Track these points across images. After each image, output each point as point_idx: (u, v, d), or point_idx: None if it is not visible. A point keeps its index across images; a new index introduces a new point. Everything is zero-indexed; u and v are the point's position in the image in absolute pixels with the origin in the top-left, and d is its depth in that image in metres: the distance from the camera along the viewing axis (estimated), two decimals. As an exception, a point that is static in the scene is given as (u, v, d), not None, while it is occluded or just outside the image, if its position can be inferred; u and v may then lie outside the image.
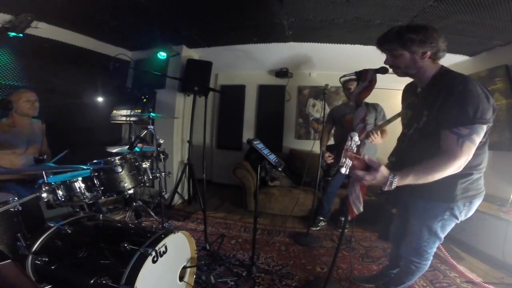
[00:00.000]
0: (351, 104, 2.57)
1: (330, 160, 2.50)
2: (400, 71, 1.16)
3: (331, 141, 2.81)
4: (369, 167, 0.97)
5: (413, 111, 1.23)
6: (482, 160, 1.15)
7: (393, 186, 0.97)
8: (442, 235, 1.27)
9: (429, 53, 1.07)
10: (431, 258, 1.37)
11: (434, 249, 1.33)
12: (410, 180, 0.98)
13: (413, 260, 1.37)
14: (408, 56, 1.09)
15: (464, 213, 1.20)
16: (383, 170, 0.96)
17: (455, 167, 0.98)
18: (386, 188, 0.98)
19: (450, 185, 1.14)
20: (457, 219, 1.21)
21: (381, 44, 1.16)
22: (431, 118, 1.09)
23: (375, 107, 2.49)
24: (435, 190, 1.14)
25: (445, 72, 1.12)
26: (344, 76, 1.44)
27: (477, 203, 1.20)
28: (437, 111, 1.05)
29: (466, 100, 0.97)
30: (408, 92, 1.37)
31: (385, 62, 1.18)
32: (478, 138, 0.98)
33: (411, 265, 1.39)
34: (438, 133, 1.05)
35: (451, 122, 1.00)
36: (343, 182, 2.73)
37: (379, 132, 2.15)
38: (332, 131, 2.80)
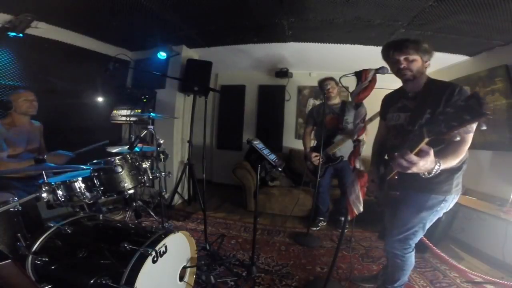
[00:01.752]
0: (330, 103, 2.57)
1: (316, 160, 2.50)
2: (411, 74, 1.26)
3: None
4: (420, 152, 0.91)
5: (412, 112, 1.30)
6: (467, 155, 1.22)
7: (438, 172, 0.97)
8: (428, 226, 1.35)
9: (428, 62, 1.27)
10: (412, 251, 1.42)
11: (415, 242, 1.40)
12: (448, 163, 1.03)
13: (396, 254, 1.42)
14: (420, 62, 1.25)
15: (451, 204, 1.30)
16: (432, 154, 0.92)
17: (465, 152, 1.07)
18: (429, 175, 0.98)
19: (449, 179, 1.24)
20: (445, 209, 1.31)
21: (402, 48, 1.24)
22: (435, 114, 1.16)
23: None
24: (433, 183, 1.24)
25: (434, 80, 1.29)
26: (345, 76, 1.44)
27: (459, 194, 1.32)
28: (442, 108, 1.15)
29: (465, 95, 1.08)
30: (392, 100, 1.46)
31: (399, 65, 1.26)
32: (473, 128, 1.05)
33: (396, 260, 1.44)
34: None
35: None
36: (333, 183, 2.76)
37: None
38: (313, 132, 2.81)
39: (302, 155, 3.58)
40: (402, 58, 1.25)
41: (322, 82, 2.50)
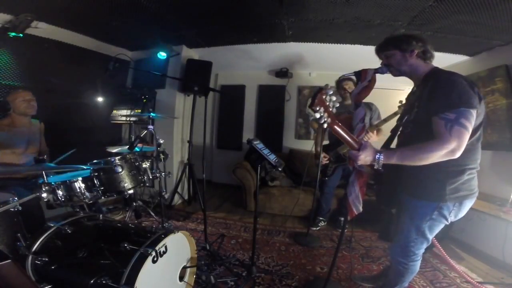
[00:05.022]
0: (346, 103, 2.57)
1: (325, 161, 2.52)
2: (394, 69, 1.27)
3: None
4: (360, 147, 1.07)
5: (406, 106, 1.33)
6: (474, 158, 1.15)
7: (380, 163, 1.05)
8: (430, 236, 1.26)
9: (416, 51, 1.20)
10: (419, 259, 1.35)
11: (422, 250, 1.32)
12: (396, 158, 1.05)
13: (400, 261, 1.36)
14: (399, 54, 1.23)
15: (454, 213, 1.18)
16: (370, 145, 1.06)
17: (446, 150, 0.99)
18: (375, 166, 1.06)
19: (439, 184, 1.15)
20: (446, 219, 1.20)
21: (379, 49, 1.32)
22: (421, 108, 1.16)
23: (369, 106, 2.49)
24: (424, 188, 1.19)
25: (435, 71, 1.21)
26: (344, 76, 1.45)
27: (468, 204, 1.19)
28: (426, 101, 1.12)
29: (450, 88, 1.04)
30: (408, 96, 1.47)
31: (382, 63, 1.32)
32: (467, 122, 1.00)
33: (398, 266, 1.38)
34: (429, 123, 1.09)
35: (438, 108, 1.05)
36: (339, 183, 2.75)
37: (375, 131, 2.19)
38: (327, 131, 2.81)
39: (304, 155, 3.61)
40: (382, 56, 1.30)
41: (341, 82, 2.50)
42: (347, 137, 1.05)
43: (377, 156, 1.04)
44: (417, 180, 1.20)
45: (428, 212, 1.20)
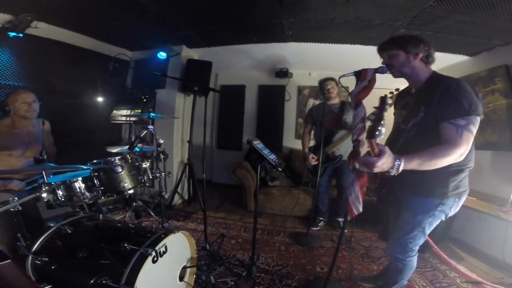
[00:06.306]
0: (330, 103, 2.58)
1: (314, 162, 2.53)
2: (395, 70, 1.26)
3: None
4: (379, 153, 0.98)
5: (409, 109, 1.30)
6: (471, 158, 1.21)
7: (400, 170, 0.98)
8: (428, 231, 1.32)
9: (421, 54, 1.20)
10: (415, 255, 1.39)
11: (418, 246, 1.37)
12: (415, 164, 1.01)
13: (398, 257, 1.40)
14: (403, 55, 1.22)
15: (453, 209, 1.26)
16: (389, 151, 0.97)
17: (457, 154, 1.03)
18: (393, 173, 0.99)
19: (443, 182, 1.21)
20: (446, 214, 1.27)
21: (382, 47, 1.30)
22: (428, 113, 1.16)
23: (351, 105, 2.50)
24: (428, 186, 1.23)
25: (438, 75, 1.23)
26: (343, 75, 1.44)
27: (463, 199, 1.27)
28: (435, 107, 1.13)
29: (461, 96, 1.07)
30: (401, 96, 1.46)
31: (383, 62, 1.30)
32: (474, 129, 1.05)
33: (397, 263, 1.42)
34: (435, 128, 1.12)
35: (449, 114, 1.07)
36: (332, 182, 2.78)
37: None
38: (312, 131, 2.84)
39: (302, 155, 3.61)
40: (385, 55, 1.28)
41: (323, 82, 2.51)
42: (374, 146, 0.97)
43: (396, 162, 0.97)
44: (420, 178, 1.20)
45: (431, 208, 1.25)
